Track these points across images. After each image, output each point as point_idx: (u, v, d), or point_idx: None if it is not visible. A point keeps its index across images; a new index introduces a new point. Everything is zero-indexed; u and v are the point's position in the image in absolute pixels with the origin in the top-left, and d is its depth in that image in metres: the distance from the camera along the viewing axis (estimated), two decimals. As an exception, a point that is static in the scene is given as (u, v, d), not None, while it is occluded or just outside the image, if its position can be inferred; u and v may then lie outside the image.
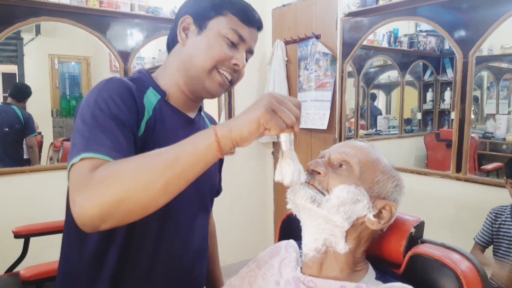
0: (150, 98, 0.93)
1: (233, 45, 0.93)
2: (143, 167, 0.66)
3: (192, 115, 1.03)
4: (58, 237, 1.00)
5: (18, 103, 2.74)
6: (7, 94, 2.74)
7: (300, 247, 0.89)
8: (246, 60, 0.98)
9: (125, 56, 2.67)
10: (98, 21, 2.53)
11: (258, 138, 0.70)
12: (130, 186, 0.65)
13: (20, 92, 2.76)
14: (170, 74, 0.98)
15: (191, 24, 0.95)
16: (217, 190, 1.20)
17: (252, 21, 0.95)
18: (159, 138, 0.90)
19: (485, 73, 2.62)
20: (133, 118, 0.85)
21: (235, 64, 0.94)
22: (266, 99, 0.67)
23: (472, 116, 2.09)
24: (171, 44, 1.01)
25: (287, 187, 0.77)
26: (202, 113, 1.11)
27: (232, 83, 0.98)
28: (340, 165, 0.81)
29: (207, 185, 1.07)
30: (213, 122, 1.19)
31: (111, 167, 0.69)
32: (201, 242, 1.08)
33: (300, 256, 0.88)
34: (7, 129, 2.68)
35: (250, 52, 0.98)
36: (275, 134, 0.68)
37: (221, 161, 1.22)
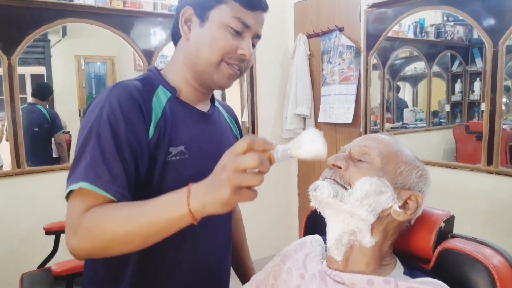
0: (160, 98, 0.92)
1: (238, 34, 0.90)
2: (122, 225, 0.72)
3: (205, 108, 1.01)
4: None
5: (42, 101, 2.81)
6: (25, 95, 2.82)
7: (325, 242, 0.88)
8: (254, 45, 0.95)
9: (148, 55, 2.70)
10: (122, 21, 2.57)
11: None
12: (110, 239, 0.73)
13: (42, 91, 2.84)
14: (178, 69, 0.97)
15: (192, 16, 0.92)
16: None
17: (255, 5, 0.90)
18: (172, 137, 0.90)
19: (516, 62, 2.53)
20: (138, 130, 0.84)
21: (241, 55, 0.90)
22: (221, 174, 0.62)
23: (503, 107, 2.02)
24: (176, 38, 0.99)
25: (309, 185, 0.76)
26: (216, 103, 1.09)
27: (241, 72, 0.95)
28: (361, 159, 0.80)
29: None
30: (229, 111, 1.17)
31: (97, 217, 0.74)
32: (225, 237, 1.08)
33: (326, 250, 0.87)
34: (36, 129, 2.76)
35: (257, 37, 0.94)
36: (252, 200, 0.63)
37: None
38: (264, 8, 0.93)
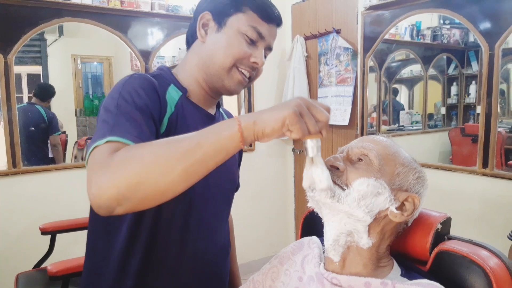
0: (172, 95, 0.93)
1: (252, 43, 0.93)
2: (164, 152, 0.65)
3: (212, 111, 1.03)
4: (84, 234, 1.02)
5: (42, 102, 2.80)
6: (31, 94, 2.81)
7: (323, 244, 0.88)
8: (265, 56, 0.98)
9: (146, 55, 2.70)
10: (119, 21, 2.57)
11: (279, 137, 0.68)
12: (149, 169, 0.64)
13: (44, 92, 2.82)
14: (190, 71, 0.99)
15: (210, 21, 0.95)
16: (236, 186, 1.20)
17: (271, 17, 0.95)
18: (181, 132, 0.90)
19: (511, 66, 2.54)
20: (157, 112, 0.86)
21: (254, 63, 0.94)
22: (296, 101, 0.66)
23: (498, 110, 2.03)
24: (191, 40, 1.02)
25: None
26: (221, 109, 1.12)
27: (250, 80, 0.98)
28: (359, 160, 0.80)
29: (228, 181, 1.08)
30: (230, 117, 1.19)
31: (132, 149, 0.68)
32: (224, 237, 1.09)
33: (323, 252, 0.87)
34: (32, 128, 2.75)
35: (269, 49, 0.98)
36: (296, 137, 0.66)
37: (240, 157, 1.21)
38: (278, 22, 0.97)
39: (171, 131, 0.89)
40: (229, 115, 1.19)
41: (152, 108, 0.84)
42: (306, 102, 0.66)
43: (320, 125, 0.67)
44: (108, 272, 0.93)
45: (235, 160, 1.12)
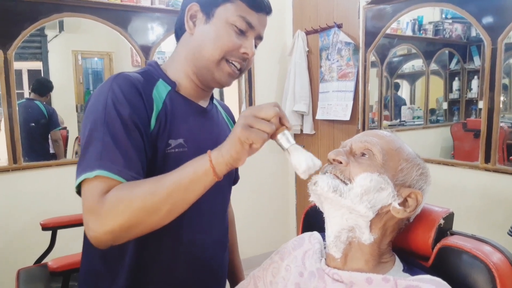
0: (160, 91, 0.92)
1: (242, 33, 0.91)
2: (150, 197, 0.72)
3: (203, 104, 1.02)
4: (84, 229, 1.01)
5: (41, 97, 2.79)
6: (29, 90, 2.80)
7: (324, 239, 0.87)
8: (256, 46, 0.96)
9: (146, 51, 2.69)
10: (119, 16, 2.55)
11: (251, 154, 0.73)
12: (138, 214, 0.72)
13: (42, 87, 2.81)
14: (179, 64, 0.97)
15: (198, 12, 0.93)
16: (235, 179, 1.19)
17: (260, 6, 0.93)
18: (171, 129, 0.90)
19: (514, 60, 2.53)
20: (142, 117, 0.85)
21: (244, 53, 0.92)
22: (241, 117, 0.71)
23: (501, 105, 2.02)
24: (179, 32, 1.00)
25: (307, 179, 0.76)
26: (214, 101, 1.10)
27: (241, 71, 0.96)
28: (362, 154, 0.80)
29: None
30: (227, 109, 1.18)
31: (120, 193, 0.73)
32: (222, 231, 1.08)
33: (324, 247, 0.86)
34: (33, 124, 2.74)
35: (259, 38, 0.96)
36: (261, 146, 0.70)
37: None
38: (268, 11, 0.95)
39: (160, 128, 0.88)
40: (224, 107, 1.17)
41: (137, 116, 0.83)
42: (250, 111, 0.71)
43: (274, 121, 0.71)
44: (104, 269, 0.93)
45: None
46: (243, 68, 0.95)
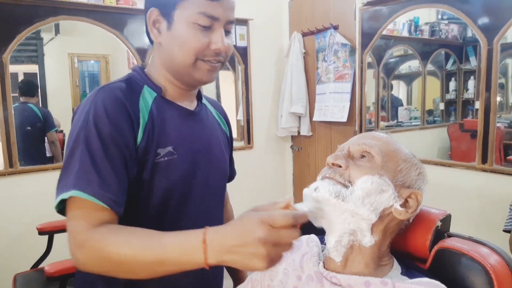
0: (146, 99, 0.90)
1: (208, 28, 0.86)
2: (130, 257, 0.70)
3: (191, 106, 1.00)
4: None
5: (32, 98, 2.77)
6: (17, 94, 2.75)
7: (321, 242, 0.87)
8: (229, 32, 0.91)
9: (142, 53, 2.68)
10: (115, 19, 2.55)
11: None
12: (116, 266, 0.72)
13: (29, 87, 2.80)
14: (158, 70, 0.95)
15: (159, 17, 0.89)
16: (231, 174, 1.17)
17: None
18: (160, 139, 0.89)
19: (510, 61, 2.54)
20: (127, 132, 0.84)
21: (215, 49, 0.88)
22: (259, 248, 0.61)
23: (497, 105, 2.02)
24: (150, 39, 0.96)
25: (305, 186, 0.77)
26: (203, 101, 1.07)
27: (223, 62, 0.93)
28: (361, 157, 0.79)
29: (217, 172, 1.04)
30: (217, 107, 1.15)
31: (105, 241, 0.73)
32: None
33: (322, 250, 0.86)
34: (29, 127, 2.73)
35: (230, 23, 0.90)
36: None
37: (230, 146, 1.17)
38: None
39: (149, 138, 0.87)
40: (215, 104, 1.14)
41: (118, 134, 0.82)
42: (272, 240, 0.62)
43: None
44: (95, 277, 0.92)
45: (223, 152, 1.08)
46: (222, 60, 0.92)
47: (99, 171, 0.78)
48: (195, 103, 1.02)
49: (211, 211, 1.03)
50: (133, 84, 0.91)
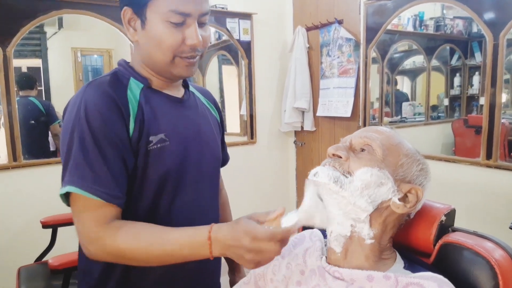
0: (134, 91, 0.91)
1: (181, 24, 0.86)
2: (142, 252, 0.79)
3: (179, 94, 1.02)
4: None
5: (31, 90, 2.76)
6: (16, 89, 2.74)
7: (325, 237, 0.87)
8: (204, 23, 0.91)
9: (146, 47, 2.67)
10: (118, 13, 2.51)
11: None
12: (129, 259, 0.82)
13: (27, 80, 2.78)
14: (140, 66, 0.96)
15: (133, 15, 0.90)
16: (224, 159, 1.18)
17: None
18: (151, 127, 0.90)
19: (516, 56, 2.51)
20: (116, 127, 0.85)
21: (191, 45, 0.88)
22: (245, 254, 0.73)
23: (503, 101, 2.01)
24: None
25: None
26: (191, 88, 1.08)
27: (201, 56, 0.94)
28: (362, 150, 0.79)
29: (209, 156, 1.05)
30: (206, 94, 1.16)
31: (116, 239, 0.80)
32: (212, 214, 1.08)
33: (325, 245, 0.86)
34: (32, 121, 2.73)
35: (203, 15, 0.89)
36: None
37: (222, 131, 1.19)
38: None
39: (140, 129, 0.88)
40: (203, 91, 1.15)
41: (109, 128, 0.83)
42: (250, 248, 0.71)
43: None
44: (96, 269, 0.94)
45: (214, 136, 1.09)
46: (200, 53, 0.93)
47: (92, 166, 0.81)
48: (182, 91, 1.04)
49: (205, 194, 1.04)
50: (120, 77, 0.93)
